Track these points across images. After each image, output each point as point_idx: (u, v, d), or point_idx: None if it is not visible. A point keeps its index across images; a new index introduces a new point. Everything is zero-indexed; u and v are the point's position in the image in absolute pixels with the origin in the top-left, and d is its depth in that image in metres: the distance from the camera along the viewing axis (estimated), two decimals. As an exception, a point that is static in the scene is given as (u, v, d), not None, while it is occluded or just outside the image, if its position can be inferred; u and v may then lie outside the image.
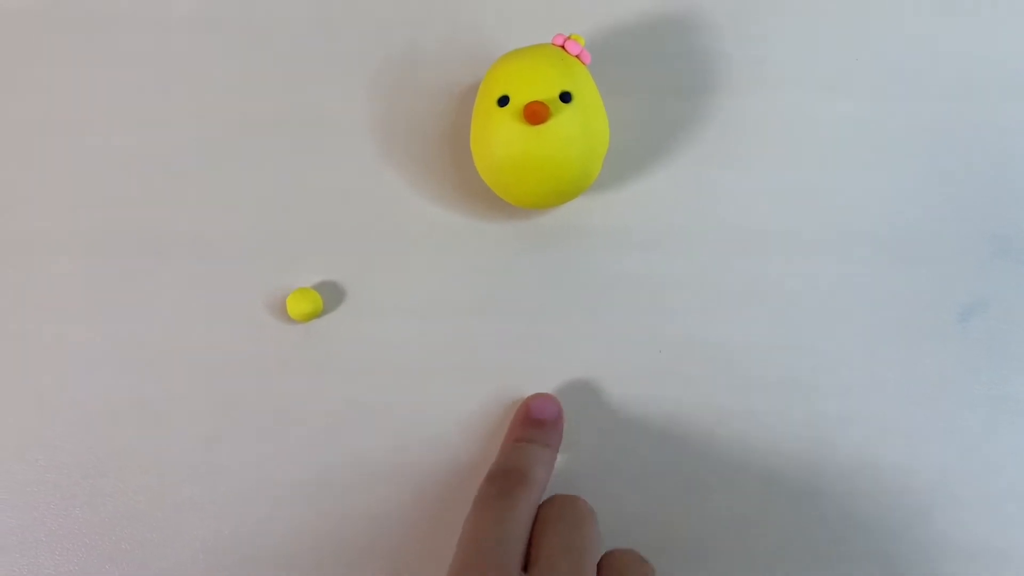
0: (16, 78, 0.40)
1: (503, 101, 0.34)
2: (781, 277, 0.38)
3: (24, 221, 0.38)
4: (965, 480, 0.36)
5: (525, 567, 0.30)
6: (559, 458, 0.36)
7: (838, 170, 0.39)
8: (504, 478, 0.32)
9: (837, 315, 0.37)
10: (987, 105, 0.39)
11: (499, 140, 0.34)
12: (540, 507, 0.32)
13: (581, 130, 0.34)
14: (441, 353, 0.37)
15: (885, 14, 0.40)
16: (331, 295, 0.38)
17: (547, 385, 0.37)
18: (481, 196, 0.38)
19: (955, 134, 0.39)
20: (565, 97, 0.33)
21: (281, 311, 0.37)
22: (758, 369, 0.37)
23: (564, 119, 0.33)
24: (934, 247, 0.38)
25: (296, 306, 0.36)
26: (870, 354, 0.37)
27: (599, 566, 0.30)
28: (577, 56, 0.35)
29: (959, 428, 0.36)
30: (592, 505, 0.33)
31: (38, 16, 0.41)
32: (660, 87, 0.40)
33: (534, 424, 0.35)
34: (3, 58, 0.40)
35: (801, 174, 0.39)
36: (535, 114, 0.32)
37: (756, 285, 0.38)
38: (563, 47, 0.35)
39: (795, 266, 0.38)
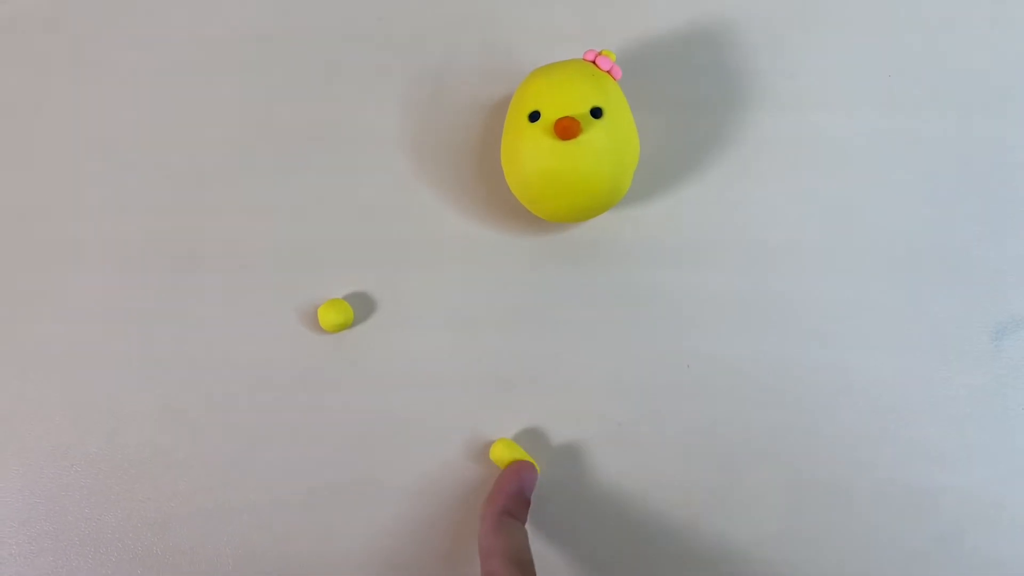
0: (58, 90, 0.41)
1: (534, 116, 0.34)
2: (812, 294, 0.37)
3: (66, 231, 0.39)
4: (998, 499, 0.36)
5: None
6: (590, 471, 0.36)
7: (870, 187, 0.38)
8: (524, 569, 0.31)
9: (868, 333, 0.37)
10: (1022, 122, 0.39)
11: (530, 155, 0.34)
12: None
13: (611, 145, 0.34)
14: (469, 364, 0.37)
15: (917, 31, 0.40)
16: (362, 306, 0.38)
17: (575, 397, 0.37)
18: (511, 210, 0.38)
19: (990, 152, 0.39)
20: (596, 112, 0.34)
21: (312, 321, 0.38)
22: (787, 385, 0.37)
23: (595, 134, 0.33)
24: (967, 266, 0.38)
25: (327, 317, 0.37)
26: (902, 373, 0.37)
27: None
28: (608, 71, 0.35)
29: (992, 448, 0.36)
30: (619, 516, 0.34)
31: (80, 30, 0.41)
32: (691, 102, 0.40)
33: (525, 503, 0.34)
34: (46, 70, 0.41)
35: (833, 190, 0.38)
36: (566, 129, 0.33)
37: (786, 301, 0.37)
38: (594, 62, 0.35)
39: (826, 283, 0.37)
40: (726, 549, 0.36)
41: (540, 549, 0.36)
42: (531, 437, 0.36)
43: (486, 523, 0.33)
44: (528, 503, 0.34)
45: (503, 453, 0.35)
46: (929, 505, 0.36)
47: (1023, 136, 0.39)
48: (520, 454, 0.36)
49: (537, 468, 0.36)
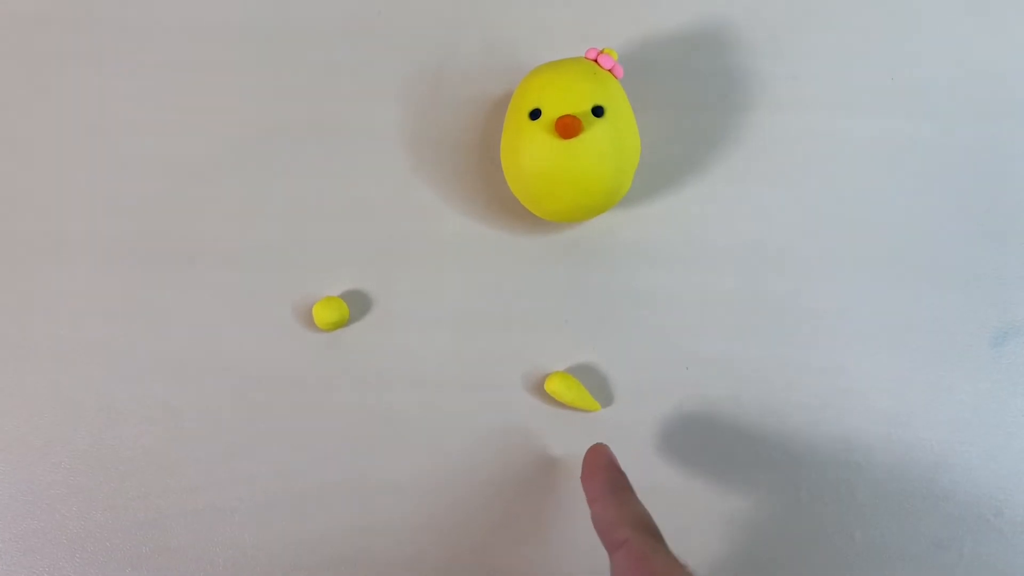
0: (53, 84, 0.40)
1: (535, 114, 0.34)
2: (811, 297, 0.37)
3: (59, 227, 0.39)
4: (997, 506, 0.35)
5: None
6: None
7: (871, 190, 0.38)
8: (655, 534, 0.30)
9: (868, 337, 0.37)
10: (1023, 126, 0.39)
11: (530, 153, 0.34)
12: None
13: (612, 144, 0.34)
14: (465, 364, 0.37)
15: (920, 34, 0.40)
16: (358, 304, 0.38)
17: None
18: (510, 209, 0.38)
19: (991, 156, 0.39)
20: (597, 111, 0.33)
21: (308, 319, 0.37)
22: (787, 389, 0.36)
23: (596, 133, 0.33)
24: (968, 270, 0.37)
25: (322, 315, 0.36)
26: (902, 378, 0.36)
27: None
28: (610, 70, 0.35)
29: (992, 453, 0.36)
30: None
31: (74, 22, 0.41)
32: (692, 102, 0.39)
33: (623, 473, 0.33)
34: (41, 64, 0.41)
35: (834, 193, 0.38)
36: (567, 128, 0.32)
37: (786, 304, 0.37)
38: (596, 61, 0.35)
39: (826, 286, 0.37)
40: (723, 552, 0.35)
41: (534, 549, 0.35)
42: (524, 436, 0.36)
43: (601, 501, 0.31)
44: (624, 474, 0.33)
45: (559, 385, 0.36)
46: (928, 510, 0.35)
47: (1025, 141, 0.39)
48: (578, 388, 0.36)
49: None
